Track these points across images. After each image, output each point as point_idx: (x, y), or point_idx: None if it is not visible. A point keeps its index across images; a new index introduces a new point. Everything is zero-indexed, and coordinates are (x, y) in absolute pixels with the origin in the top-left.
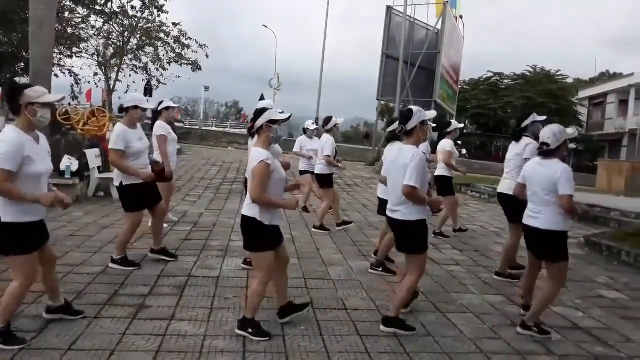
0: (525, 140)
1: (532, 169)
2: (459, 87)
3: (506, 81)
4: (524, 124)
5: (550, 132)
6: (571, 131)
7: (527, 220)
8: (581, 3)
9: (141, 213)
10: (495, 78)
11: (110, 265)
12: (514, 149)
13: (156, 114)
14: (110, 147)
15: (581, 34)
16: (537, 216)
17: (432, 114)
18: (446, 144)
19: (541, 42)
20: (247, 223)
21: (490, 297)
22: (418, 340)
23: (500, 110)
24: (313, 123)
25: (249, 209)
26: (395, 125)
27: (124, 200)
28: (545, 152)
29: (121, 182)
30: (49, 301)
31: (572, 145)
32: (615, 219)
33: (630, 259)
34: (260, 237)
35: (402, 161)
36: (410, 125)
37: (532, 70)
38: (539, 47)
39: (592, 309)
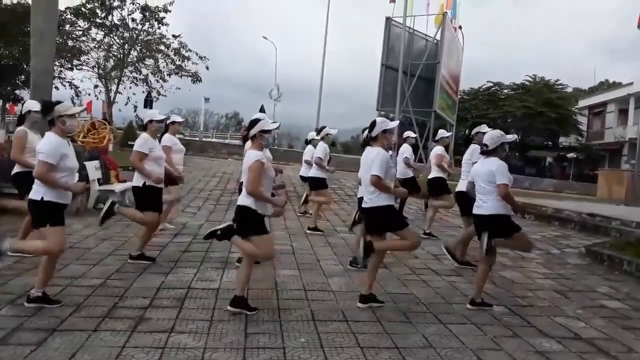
0: (472, 146)
1: (476, 167)
2: (459, 96)
3: (505, 91)
4: (471, 134)
5: (489, 136)
6: (510, 136)
7: (475, 210)
8: (569, 11)
9: (156, 214)
10: (494, 88)
11: (130, 261)
12: (465, 154)
13: (165, 128)
14: (135, 149)
15: (570, 42)
16: (482, 204)
17: (394, 124)
18: (437, 149)
19: (531, 51)
20: (244, 211)
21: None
22: (420, 352)
23: (499, 120)
24: (313, 134)
25: (245, 200)
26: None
27: (145, 200)
28: (485, 152)
29: (144, 183)
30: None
31: (572, 155)
32: (616, 228)
33: (632, 269)
34: (257, 222)
35: (369, 160)
36: (374, 132)
37: (531, 79)
38: (529, 56)
39: (593, 319)
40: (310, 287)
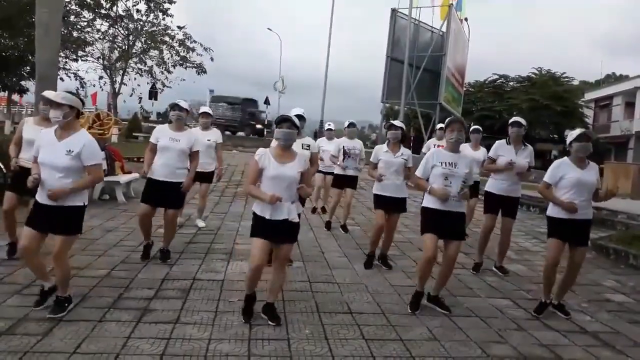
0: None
1: None
2: (465, 89)
3: (511, 83)
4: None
5: None
6: (575, 132)
7: None
8: (572, 6)
9: (144, 206)
10: (500, 80)
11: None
12: None
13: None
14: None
15: (573, 37)
16: None
17: (446, 123)
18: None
19: (535, 45)
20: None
21: (496, 301)
22: (424, 344)
23: (505, 113)
24: (329, 124)
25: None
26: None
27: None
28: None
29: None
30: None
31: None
32: (622, 222)
33: (637, 262)
34: (253, 221)
35: None
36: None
37: (537, 72)
38: (534, 49)
39: (599, 313)
40: (314, 279)
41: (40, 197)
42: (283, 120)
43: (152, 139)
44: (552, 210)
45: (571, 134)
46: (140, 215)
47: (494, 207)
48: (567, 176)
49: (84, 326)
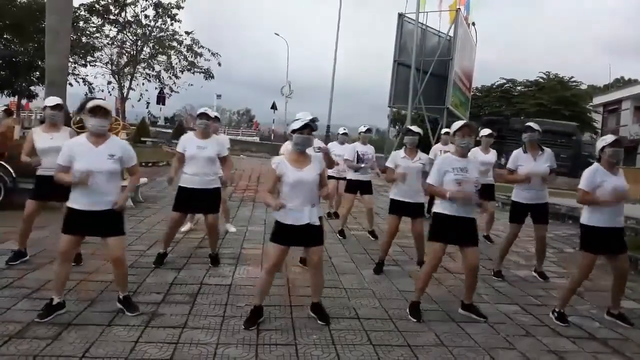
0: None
1: None
2: (472, 93)
3: (519, 88)
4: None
5: None
6: (608, 137)
7: None
8: (578, 8)
9: (175, 214)
10: (508, 85)
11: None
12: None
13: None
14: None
15: (579, 39)
16: None
17: (457, 124)
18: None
19: (540, 48)
20: None
21: (504, 307)
22: (431, 350)
23: (512, 118)
24: (343, 129)
25: None
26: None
27: None
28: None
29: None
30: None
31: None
32: (632, 228)
33: None
34: (275, 227)
35: None
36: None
37: (545, 76)
38: (538, 53)
39: (608, 319)
40: None
41: (78, 204)
42: (304, 127)
43: (179, 149)
44: (590, 219)
45: (604, 139)
46: (172, 223)
47: (519, 216)
48: (605, 183)
49: (93, 330)
